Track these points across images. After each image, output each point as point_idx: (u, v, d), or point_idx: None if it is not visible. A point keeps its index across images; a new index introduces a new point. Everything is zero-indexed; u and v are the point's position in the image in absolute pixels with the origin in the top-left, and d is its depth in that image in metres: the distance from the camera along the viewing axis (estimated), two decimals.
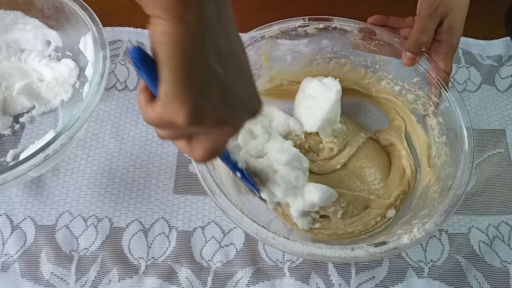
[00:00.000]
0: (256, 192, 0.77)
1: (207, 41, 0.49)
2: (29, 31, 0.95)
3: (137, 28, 1.06)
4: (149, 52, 0.49)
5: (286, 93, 0.93)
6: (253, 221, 0.67)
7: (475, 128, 0.92)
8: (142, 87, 0.53)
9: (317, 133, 0.88)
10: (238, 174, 0.73)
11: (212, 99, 0.50)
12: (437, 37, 0.81)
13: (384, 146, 0.89)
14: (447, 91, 0.79)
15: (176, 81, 0.48)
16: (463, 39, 1.02)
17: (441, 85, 0.80)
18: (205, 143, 0.55)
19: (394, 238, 0.67)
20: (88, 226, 0.84)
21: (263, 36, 0.84)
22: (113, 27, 1.06)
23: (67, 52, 0.95)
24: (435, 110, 0.82)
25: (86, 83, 0.87)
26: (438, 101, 0.81)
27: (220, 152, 0.59)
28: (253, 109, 0.55)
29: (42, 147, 0.71)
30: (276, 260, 0.80)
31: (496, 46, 1.04)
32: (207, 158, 0.57)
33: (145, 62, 0.49)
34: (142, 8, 0.51)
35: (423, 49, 0.79)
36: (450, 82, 0.80)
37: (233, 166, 0.71)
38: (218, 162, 0.78)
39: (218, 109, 0.51)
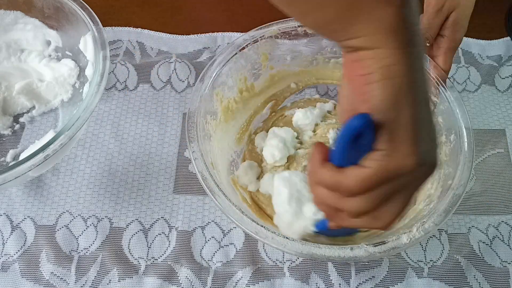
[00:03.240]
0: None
1: (422, 79, 0.46)
2: (29, 31, 0.95)
3: (137, 28, 1.06)
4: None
5: None
6: (253, 220, 0.67)
7: (475, 128, 0.92)
8: (321, 161, 0.52)
9: None
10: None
11: (432, 139, 0.49)
12: (440, 31, 0.80)
13: None
14: (446, 91, 0.79)
15: (407, 119, 0.45)
16: (463, 38, 1.02)
17: (439, 84, 0.80)
18: (395, 203, 0.52)
19: (393, 238, 0.66)
20: (88, 226, 0.84)
21: (263, 36, 0.84)
22: (113, 27, 1.06)
23: (67, 52, 0.95)
24: (434, 110, 0.82)
25: (86, 83, 0.87)
26: (436, 100, 0.81)
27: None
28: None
29: (42, 147, 0.71)
30: (276, 260, 0.80)
31: (496, 46, 1.04)
32: (394, 221, 0.54)
33: (370, 127, 0.46)
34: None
35: (427, 45, 0.79)
36: (449, 82, 0.80)
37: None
38: (217, 161, 0.78)
39: (434, 148, 0.50)
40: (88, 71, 0.88)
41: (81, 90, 0.92)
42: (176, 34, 1.05)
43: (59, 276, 0.80)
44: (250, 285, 0.78)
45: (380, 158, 0.47)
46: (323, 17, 0.46)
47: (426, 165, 0.49)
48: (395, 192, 0.51)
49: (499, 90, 0.98)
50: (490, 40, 1.04)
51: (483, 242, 0.82)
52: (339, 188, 0.51)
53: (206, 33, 1.05)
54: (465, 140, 0.75)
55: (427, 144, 0.48)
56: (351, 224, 0.56)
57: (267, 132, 0.89)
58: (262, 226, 0.67)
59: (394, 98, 0.44)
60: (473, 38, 1.04)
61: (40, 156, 0.71)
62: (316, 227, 0.70)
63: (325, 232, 0.70)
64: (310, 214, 0.71)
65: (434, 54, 0.81)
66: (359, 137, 0.47)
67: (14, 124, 0.93)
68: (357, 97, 0.46)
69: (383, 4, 0.41)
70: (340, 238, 0.73)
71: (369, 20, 0.42)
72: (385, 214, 0.52)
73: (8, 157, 0.89)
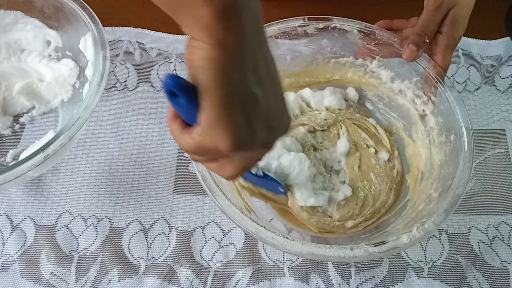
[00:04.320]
0: (282, 190, 0.79)
1: (247, 64, 0.48)
2: (29, 31, 0.95)
3: (137, 28, 1.06)
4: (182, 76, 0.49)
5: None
6: (253, 220, 0.67)
7: (475, 128, 0.92)
8: (172, 115, 0.53)
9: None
10: (260, 179, 0.75)
11: (254, 124, 0.50)
12: (439, 28, 0.80)
13: None
14: (446, 91, 0.79)
15: (219, 108, 0.47)
16: (463, 39, 1.02)
17: (438, 83, 0.80)
18: (237, 163, 0.56)
19: (394, 238, 0.67)
20: (88, 226, 0.84)
21: None
22: (113, 27, 1.06)
23: (67, 52, 0.95)
24: (434, 110, 0.82)
25: (86, 83, 0.87)
26: (436, 100, 0.81)
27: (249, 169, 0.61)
28: (285, 126, 0.56)
29: (42, 147, 0.71)
30: (276, 260, 0.80)
31: (496, 46, 1.04)
32: (236, 176, 0.59)
33: (181, 90, 0.48)
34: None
35: (426, 41, 0.79)
36: (449, 82, 0.80)
37: (254, 175, 0.74)
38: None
39: (259, 134, 0.52)
40: (88, 71, 0.88)
41: (81, 90, 0.92)
42: (176, 34, 1.05)
43: (59, 276, 0.80)
44: (250, 285, 0.78)
45: (199, 134, 0.50)
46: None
47: (244, 149, 0.52)
48: (224, 156, 0.55)
49: (499, 90, 0.98)
50: (490, 40, 1.04)
51: (483, 242, 0.82)
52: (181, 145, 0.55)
53: None
54: (465, 140, 0.75)
55: (246, 127, 0.50)
56: (208, 167, 0.61)
57: None
58: (262, 226, 0.67)
59: (208, 87, 0.47)
60: (473, 38, 1.04)
61: (40, 156, 0.71)
62: (242, 176, 0.73)
63: (249, 179, 0.76)
64: None
65: (433, 52, 0.81)
66: (176, 96, 0.49)
67: (14, 124, 0.93)
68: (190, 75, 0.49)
69: (200, 4, 0.44)
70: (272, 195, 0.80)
71: (189, 14, 0.45)
72: (227, 167, 0.57)
73: (8, 157, 0.89)
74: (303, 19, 0.85)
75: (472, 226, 0.83)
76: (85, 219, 0.85)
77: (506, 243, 0.82)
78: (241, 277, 0.79)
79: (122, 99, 0.97)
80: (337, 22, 0.85)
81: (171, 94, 0.49)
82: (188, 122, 0.52)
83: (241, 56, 0.47)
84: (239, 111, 0.49)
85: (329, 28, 0.85)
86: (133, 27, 1.06)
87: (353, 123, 0.89)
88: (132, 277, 0.79)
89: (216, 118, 0.48)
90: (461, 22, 0.80)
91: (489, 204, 0.85)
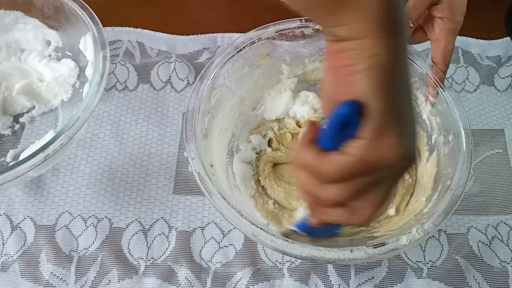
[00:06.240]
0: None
1: (404, 70, 0.46)
2: (29, 31, 0.95)
3: (137, 28, 1.06)
4: None
5: None
6: (252, 223, 0.67)
7: (473, 128, 0.92)
8: (308, 141, 0.50)
9: None
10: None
11: (412, 134, 0.48)
12: (438, 14, 0.79)
13: None
14: (444, 91, 0.79)
15: (388, 112, 0.45)
16: (463, 38, 1.02)
17: (437, 85, 0.80)
18: (379, 195, 0.52)
19: (393, 239, 0.67)
20: (88, 226, 0.84)
21: (260, 37, 0.84)
22: (113, 27, 1.06)
23: (67, 52, 0.95)
24: (432, 110, 0.82)
25: (86, 83, 0.87)
26: (435, 101, 0.81)
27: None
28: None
29: (42, 147, 0.71)
30: (276, 261, 0.80)
31: (496, 47, 1.04)
32: (372, 215, 0.53)
33: (358, 113, 0.45)
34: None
35: (411, 25, 0.78)
36: (448, 82, 0.80)
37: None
38: (216, 162, 0.78)
39: (412, 143, 0.49)
40: (88, 71, 0.88)
41: (81, 90, 0.92)
42: (176, 34, 1.05)
43: (59, 276, 0.80)
44: (250, 286, 0.78)
45: (363, 147, 0.47)
46: (310, 1, 0.46)
47: (407, 159, 0.49)
48: (374, 184, 0.50)
49: (498, 90, 0.98)
50: (490, 40, 1.04)
51: (482, 242, 0.82)
52: (318, 173, 0.50)
53: (206, 34, 1.05)
54: (464, 140, 0.75)
55: (409, 137, 0.48)
56: (329, 217, 0.55)
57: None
58: (261, 228, 0.66)
59: (379, 88, 0.44)
60: (473, 38, 1.04)
61: (40, 156, 0.71)
62: (296, 227, 0.68)
63: (306, 231, 0.68)
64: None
65: (436, 37, 0.80)
66: (347, 125, 0.47)
67: (14, 124, 0.93)
68: (339, 88, 0.46)
69: None
70: (323, 240, 0.70)
71: (356, 7, 0.42)
72: (363, 208, 0.52)
73: (8, 157, 0.89)
74: (300, 20, 0.84)
75: (471, 226, 0.83)
76: (85, 219, 0.85)
77: (505, 243, 0.82)
78: (241, 278, 0.79)
79: (122, 99, 0.97)
80: None
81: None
82: (326, 148, 0.50)
83: (402, 61, 0.45)
84: (404, 116, 0.46)
85: None
86: (133, 27, 1.06)
87: None
88: (131, 278, 0.79)
89: (385, 123, 0.45)
90: (459, 5, 0.79)
91: (488, 204, 0.86)
